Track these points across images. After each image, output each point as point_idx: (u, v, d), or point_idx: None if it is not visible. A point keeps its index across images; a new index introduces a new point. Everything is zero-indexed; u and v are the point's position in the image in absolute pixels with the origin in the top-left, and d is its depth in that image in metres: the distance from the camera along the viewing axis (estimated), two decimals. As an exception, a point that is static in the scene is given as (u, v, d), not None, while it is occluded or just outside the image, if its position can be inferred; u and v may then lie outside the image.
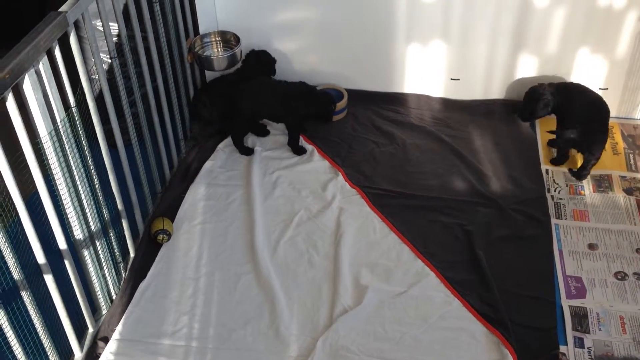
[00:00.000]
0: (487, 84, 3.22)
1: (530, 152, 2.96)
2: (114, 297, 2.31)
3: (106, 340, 2.18)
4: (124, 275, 2.39)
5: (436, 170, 2.85)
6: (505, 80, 3.19)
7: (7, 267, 1.71)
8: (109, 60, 2.26)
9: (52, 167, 1.83)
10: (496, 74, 3.17)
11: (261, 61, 3.13)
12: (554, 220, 2.62)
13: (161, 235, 2.51)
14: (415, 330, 2.18)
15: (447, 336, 2.16)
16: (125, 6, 2.35)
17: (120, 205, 2.33)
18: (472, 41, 3.07)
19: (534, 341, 2.15)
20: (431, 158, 2.93)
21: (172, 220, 2.62)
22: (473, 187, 2.75)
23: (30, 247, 1.80)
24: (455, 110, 3.23)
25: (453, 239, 2.53)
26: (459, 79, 3.23)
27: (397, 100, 3.29)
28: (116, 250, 2.32)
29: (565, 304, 2.29)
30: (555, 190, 2.77)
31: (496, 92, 3.24)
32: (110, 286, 2.29)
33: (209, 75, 3.21)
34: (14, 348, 1.77)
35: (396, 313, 2.24)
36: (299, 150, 2.97)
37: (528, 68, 3.12)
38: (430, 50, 3.14)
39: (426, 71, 3.23)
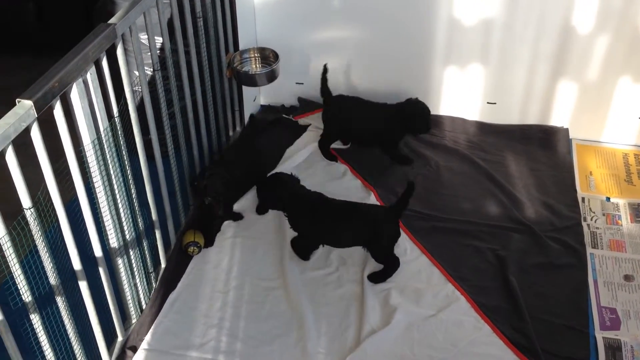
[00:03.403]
0: (524, 109, 3.19)
1: (566, 179, 2.92)
2: (144, 307, 2.33)
3: (134, 349, 2.19)
4: (154, 285, 2.41)
5: (470, 194, 2.83)
6: (543, 106, 3.16)
7: (45, 272, 1.73)
8: (151, 73, 2.29)
9: (93, 175, 1.86)
10: (534, 99, 3.14)
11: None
12: (589, 250, 2.57)
13: (192, 247, 2.53)
14: (445, 354, 2.15)
15: (476, 362, 2.13)
16: (170, 20, 2.39)
17: (154, 216, 2.35)
18: (511, 65, 3.05)
19: (566, 372, 2.11)
20: (465, 182, 2.91)
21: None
22: (507, 212, 2.72)
23: (66, 253, 1.82)
24: (491, 134, 3.20)
25: (485, 264, 2.50)
26: (495, 103, 3.21)
27: (432, 122, 3.27)
28: (148, 260, 2.34)
29: (599, 335, 2.24)
30: (591, 219, 2.72)
31: (533, 117, 3.21)
32: (141, 295, 2.31)
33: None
34: (46, 353, 1.79)
35: (425, 336, 2.21)
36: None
37: (567, 95, 3.08)
38: (468, 73, 3.13)
39: (462, 94, 3.22)
